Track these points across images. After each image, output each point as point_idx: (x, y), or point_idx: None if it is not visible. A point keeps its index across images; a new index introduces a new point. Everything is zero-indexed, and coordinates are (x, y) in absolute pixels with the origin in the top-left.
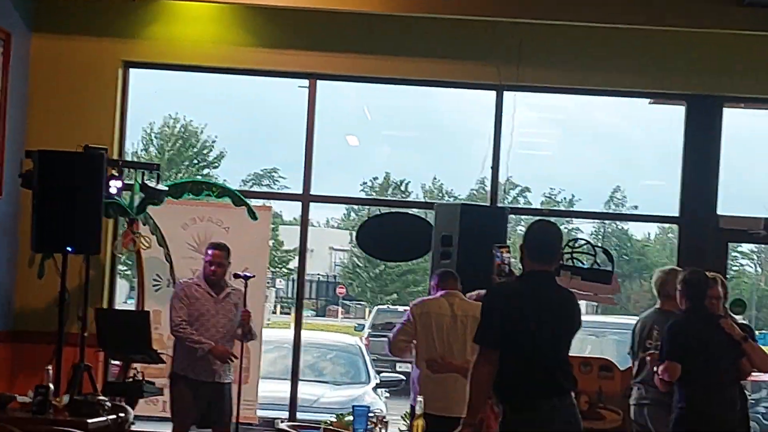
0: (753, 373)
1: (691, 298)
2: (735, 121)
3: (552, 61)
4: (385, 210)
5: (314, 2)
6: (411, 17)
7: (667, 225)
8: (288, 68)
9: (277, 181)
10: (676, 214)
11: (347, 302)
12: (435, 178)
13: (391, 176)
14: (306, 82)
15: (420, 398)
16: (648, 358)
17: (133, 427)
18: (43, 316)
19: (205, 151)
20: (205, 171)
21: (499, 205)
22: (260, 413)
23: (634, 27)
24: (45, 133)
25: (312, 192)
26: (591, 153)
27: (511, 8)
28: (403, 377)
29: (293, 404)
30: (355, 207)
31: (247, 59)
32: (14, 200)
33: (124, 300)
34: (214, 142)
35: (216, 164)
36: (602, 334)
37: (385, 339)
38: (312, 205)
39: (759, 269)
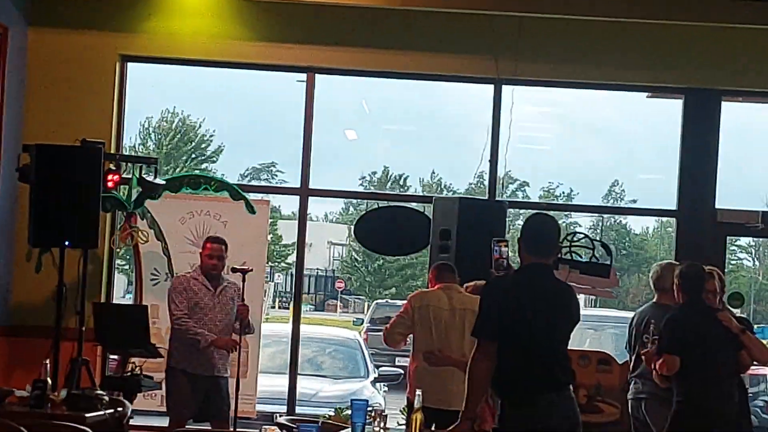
0: (753, 366)
1: (689, 291)
2: (733, 114)
3: (550, 55)
4: (383, 204)
5: None
6: (409, 11)
7: (665, 219)
8: (286, 62)
9: (275, 175)
10: (674, 208)
11: (346, 296)
12: (433, 172)
13: (390, 170)
14: (304, 76)
15: (419, 392)
16: (643, 356)
17: (131, 422)
18: (40, 310)
19: (203, 146)
20: (203, 165)
21: (498, 199)
22: (259, 407)
23: (632, 21)
24: (42, 127)
25: (310, 186)
26: (589, 147)
27: (508, 2)
28: (402, 371)
29: (292, 398)
30: (354, 201)
31: (245, 53)
32: (11, 194)
33: (122, 294)
34: (212, 136)
35: (214, 158)
36: (601, 328)
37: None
38: (310, 199)
39: (757, 263)
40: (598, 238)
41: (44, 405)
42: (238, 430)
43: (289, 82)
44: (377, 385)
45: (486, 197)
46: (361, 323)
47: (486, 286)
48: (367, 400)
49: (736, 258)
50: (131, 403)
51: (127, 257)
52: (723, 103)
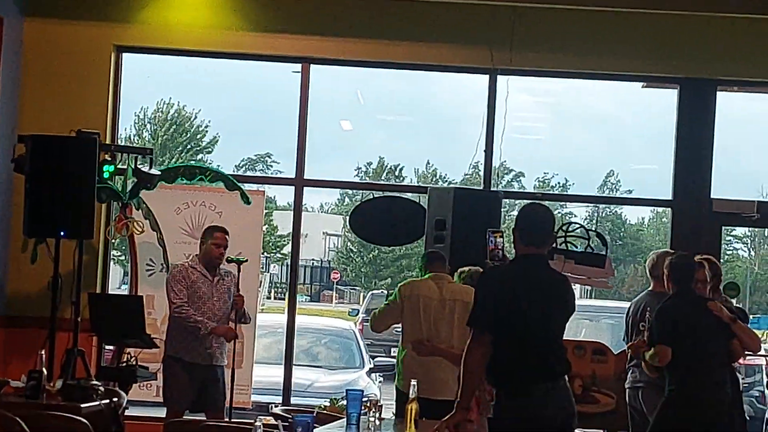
0: (746, 354)
1: (678, 281)
2: (728, 104)
3: (545, 45)
4: (378, 194)
5: None
6: (404, 1)
7: (660, 209)
8: (281, 53)
9: (270, 166)
10: (670, 198)
11: (341, 287)
12: (429, 163)
13: (385, 161)
14: (299, 67)
15: (414, 381)
16: (628, 348)
17: (126, 412)
18: (36, 301)
19: (198, 136)
20: (199, 156)
21: (493, 189)
22: (254, 398)
23: (627, 11)
24: (38, 117)
25: (306, 177)
26: (584, 137)
27: None
28: None
29: (287, 389)
30: (350, 192)
31: (241, 44)
32: (7, 185)
33: (117, 285)
34: (207, 126)
35: (209, 149)
36: (597, 318)
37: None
38: (306, 190)
39: (752, 253)
40: (593, 228)
41: (40, 395)
42: (233, 420)
43: (284, 73)
44: (372, 375)
45: (481, 187)
46: (357, 314)
47: (481, 276)
48: (363, 391)
49: (731, 248)
50: (126, 394)
51: (123, 248)
52: (718, 93)
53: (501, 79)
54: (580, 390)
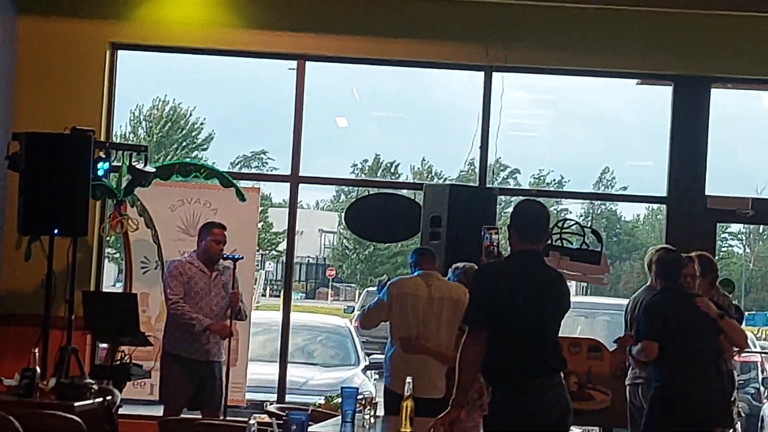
0: (734, 351)
1: (666, 277)
2: (722, 101)
3: (540, 42)
4: (374, 191)
5: None
6: None
7: (655, 205)
8: (277, 50)
9: (265, 163)
10: (665, 195)
11: (337, 284)
12: (424, 160)
13: (381, 157)
14: (295, 64)
15: (409, 379)
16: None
17: (120, 410)
18: (29, 298)
19: (193, 134)
20: (194, 153)
21: (488, 186)
22: (249, 396)
23: (622, 8)
24: (32, 115)
25: (301, 173)
26: (580, 134)
27: None
28: None
29: (282, 387)
30: (345, 189)
31: (236, 41)
32: (1, 183)
33: (112, 283)
34: (202, 124)
35: (205, 146)
36: (592, 315)
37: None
38: (301, 187)
39: (747, 250)
40: (588, 225)
41: (33, 394)
42: (227, 418)
43: (279, 70)
44: (368, 373)
45: (476, 184)
46: (352, 311)
47: (476, 273)
48: (358, 388)
49: (726, 245)
50: (120, 392)
51: (117, 245)
52: (713, 90)
53: (496, 76)
54: (575, 387)
